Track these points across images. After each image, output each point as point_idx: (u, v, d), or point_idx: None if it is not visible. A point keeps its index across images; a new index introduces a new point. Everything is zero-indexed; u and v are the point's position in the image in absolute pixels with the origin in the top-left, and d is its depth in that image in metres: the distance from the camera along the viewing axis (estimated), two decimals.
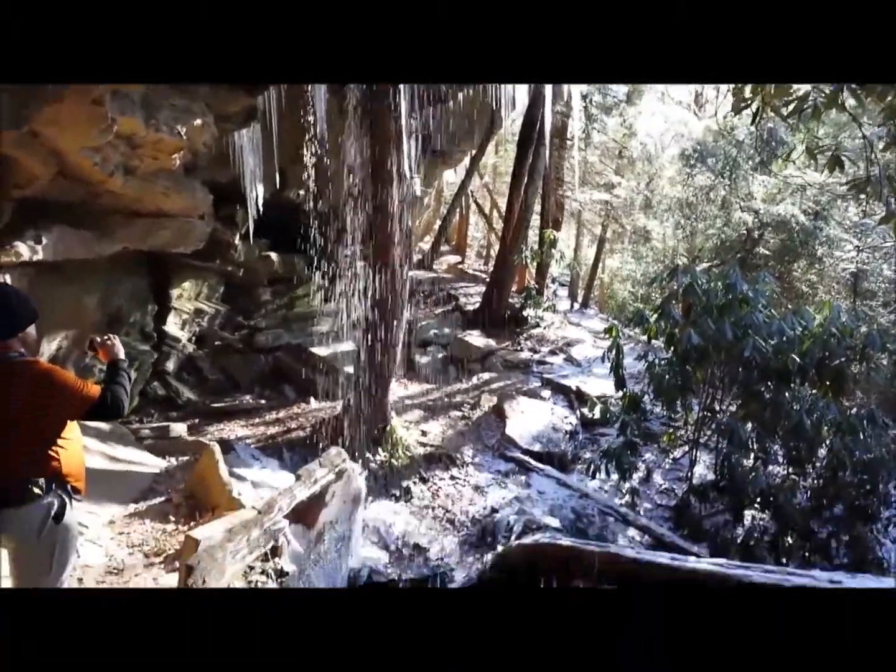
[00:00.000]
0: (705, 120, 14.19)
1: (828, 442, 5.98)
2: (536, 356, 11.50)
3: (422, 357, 10.75)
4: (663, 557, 4.30)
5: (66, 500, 2.65)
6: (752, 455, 6.29)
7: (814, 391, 6.22)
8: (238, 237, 8.50)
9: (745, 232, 13.92)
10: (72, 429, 2.72)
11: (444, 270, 16.61)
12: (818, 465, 6.27)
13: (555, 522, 6.26)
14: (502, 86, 9.33)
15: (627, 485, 7.33)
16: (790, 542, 6.09)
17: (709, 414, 6.91)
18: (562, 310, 14.78)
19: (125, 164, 5.38)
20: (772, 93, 3.99)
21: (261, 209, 7.64)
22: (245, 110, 6.10)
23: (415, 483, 6.93)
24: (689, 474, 7.16)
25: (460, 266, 17.65)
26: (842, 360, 6.01)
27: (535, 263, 13.70)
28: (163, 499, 5.65)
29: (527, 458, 7.86)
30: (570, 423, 8.97)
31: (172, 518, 5.30)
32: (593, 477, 7.28)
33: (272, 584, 3.35)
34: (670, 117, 14.89)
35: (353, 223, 7.86)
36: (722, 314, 6.14)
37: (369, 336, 7.14)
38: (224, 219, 8.12)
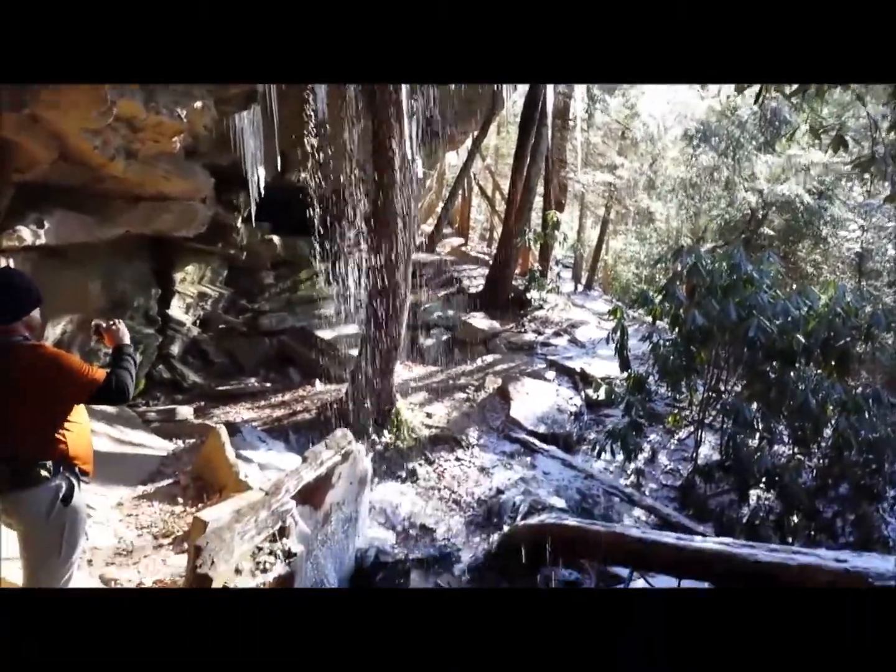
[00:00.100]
0: (708, 100, 14.05)
1: (833, 421, 5.97)
2: (540, 338, 11.48)
3: (426, 340, 10.75)
4: (669, 537, 4.31)
5: (75, 482, 2.66)
6: (757, 435, 6.29)
7: (819, 371, 6.20)
8: (240, 220, 8.48)
9: (749, 212, 13.85)
10: (79, 412, 2.73)
11: (447, 253, 16.56)
12: (823, 444, 6.27)
13: (560, 503, 6.27)
14: None
15: (633, 465, 7.34)
16: (795, 521, 6.10)
17: (714, 394, 6.91)
18: (565, 292, 14.75)
19: (126, 147, 5.36)
20: None
21: (262, 192, 7.61)
22: (245, 93, 6.07)
23: (420, 465, 6.95)
24: (695, 454, 7.16)
25: (463, 248, 17.59)
26: (847, 339, 5.98)
27: (538, 245, 13.65)
28: (170, 481, 5.68)
29: (532, 439, 7.87)
30: (575, 405, 8.98)
31: (180, 500, 5.33)
32: (598, 457, 7.29)
33: (280, 565, 3.37)
34: (673, 97, 14.77)
35: (356, 206, 7.82)
36: (726, 295, 6.12)
37: (373, 319, 7.12)
38: (226, 202, 8.11)
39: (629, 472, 7.44)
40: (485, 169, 19.86)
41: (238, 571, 3.25)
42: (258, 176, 7.45)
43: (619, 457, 7.04)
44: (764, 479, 6.17)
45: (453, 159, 17.25)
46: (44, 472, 2.57)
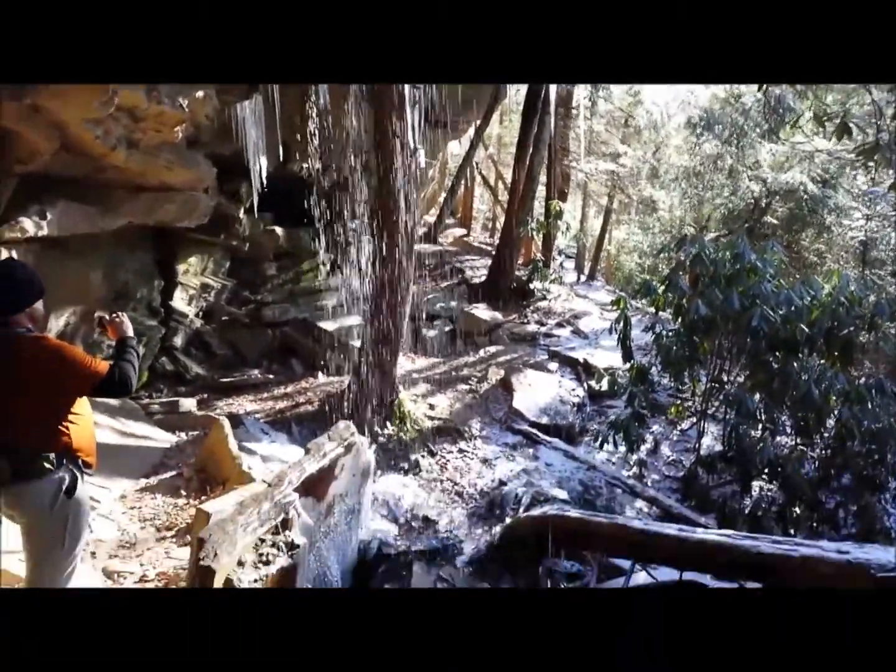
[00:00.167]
0: (712, 87, 13.98)
1: (836, 412, 5.95)
2: (543, 329, 11.48)
3: (428, 331, 10.74)
4: (671, 528, 4.30)
5: (78, 474, 2.67)
6: (759, 426, 6.29)
7: (822, 361, 6.18)
8: (242, 211, 8.46)
9: (752, 201, 13.79)
10: (82, 404, 2.73)
11: (450, 243, 16.51)
12: (826, 435, 6.26)
13: (563, 494, 6.28)
14: None
15: (635, 456, 7.33)
16: (798, 512, 6.10)
17: (716, 385, 6.90)
18: (568, 282, 14.73)
19: (128, 137, 5.34)
20: None
21: (265, 182, 7.58)
22: None
23: (423, 456, 6.96)
24: (697, 445, 7.16)
25: (466, 239, 17.53)
26: (850, 329, 5.96)
27: (540, 235, 13.59)
28: (173, 473, 5.70)
29: (534, 430, 7.87)
30: (578, 396, 8.98)
31: (183, 492, 5.34)
32: (601, 449, 7.30)
33: (283, 557, 3.37)
34: (676, 85, 14.67)
35: (358, 196, 7.80)
36: (730, 284, 6.10)
37: (375, 310, 7.12)
38: (228, 192, 8.08)
39: (631, 463, 7.44)
40: (487, 158, 19.78)
41: (241, 563, 3.25)
42: (260, 166, 7.42)
43: (622, 448, 7.04)
44: (766, 470, 6.17)
45: (456, 148, 17.19)
46: (47, 465, 2.57)
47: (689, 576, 4.24)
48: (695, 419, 7.67)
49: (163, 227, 7.45)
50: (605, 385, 8.27)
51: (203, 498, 5.05)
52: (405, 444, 7.01)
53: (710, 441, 7.45)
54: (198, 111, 5.56)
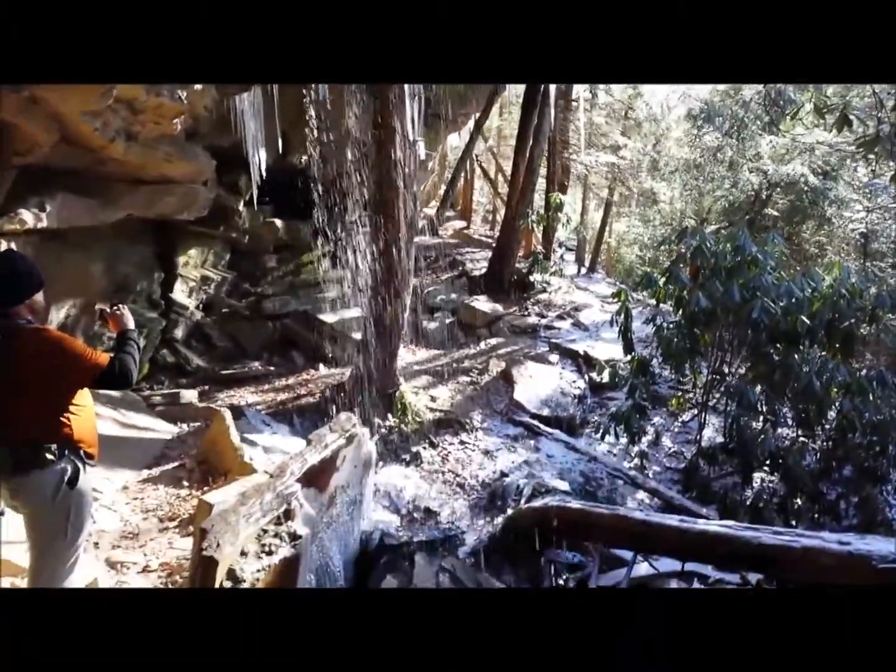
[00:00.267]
0: None
1: (837, 404, 5.95)
2: (544, 321, 11.47)
3: (429, 323, 10.74)
4: (672, 520, 4.31)
5: (80, 465, 2.67)
6: (761, 417, 6.28)
7: (823, 353, 6.18)
8: (242, 203, 8.45)
9: (753, 193, 13.76)
10: (83, 396, 2.73)
11: (450, 236, 16.49)
12: (827, 426, 6.26)
13: (564, 486, 6.28)
14: None
15: (636, 448, 7.35)
16: (799, 503, 6.10)
17: (717, 377, 6.90)
18: (569, 274, 14.71)
19: (126, 129, 5.32)
20: None
21: (264, 174, 7.57)
22: None
23: (424, 448, 6.97)
24: (698, 437, 7.17)
25: (466, 231, 17.52)
26: (851, 321, 5.94)
27: (541, 228, 13.56)
28: (176, 464, 5.71)
29: (535, 422, 7.88)
30: (579, 388, 8.98)
31: (186, 483, 5.35)
32: (602, 440, 7.31)
33: (285, 547, 3.38)
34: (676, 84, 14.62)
35: (358, 188, 7.77)
36: (730, 276, 6.09)
37: (376, 302, 7.11)
38: (227, 185, 8.07)
39: (632, 454, 7.45)
40: (487, 151, 19.75)
41: (244, 553, 3.26)
42: (259, 158, 7.40)
43: (623, 439, 7.05)
44: (767, 462, 6.17)
45: (455, 141, 17.13)
46: (49, 456, 2.58)
47: (690, 567, 4.25)
48: (696, 411, 7.67)
49: (163, 220, 7.44)
50: (606, 377, 8.28)
51: (205, 489, 5.06)
52: (406, 436, 7.02)
53: (712, 433, 7.46)
54: (196, 103, 5.54)
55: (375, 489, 5.71)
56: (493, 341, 10.57)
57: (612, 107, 16.88)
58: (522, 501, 5.79)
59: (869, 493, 5.97)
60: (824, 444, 6.37)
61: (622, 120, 17.12)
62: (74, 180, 5.79)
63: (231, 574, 3.09)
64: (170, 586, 3.91)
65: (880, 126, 5.46)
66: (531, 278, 12.62)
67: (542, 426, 7.79)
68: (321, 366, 8.78)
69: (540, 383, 8.77)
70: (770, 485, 6.44)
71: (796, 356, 6.01)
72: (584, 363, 9.61)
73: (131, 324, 2.91)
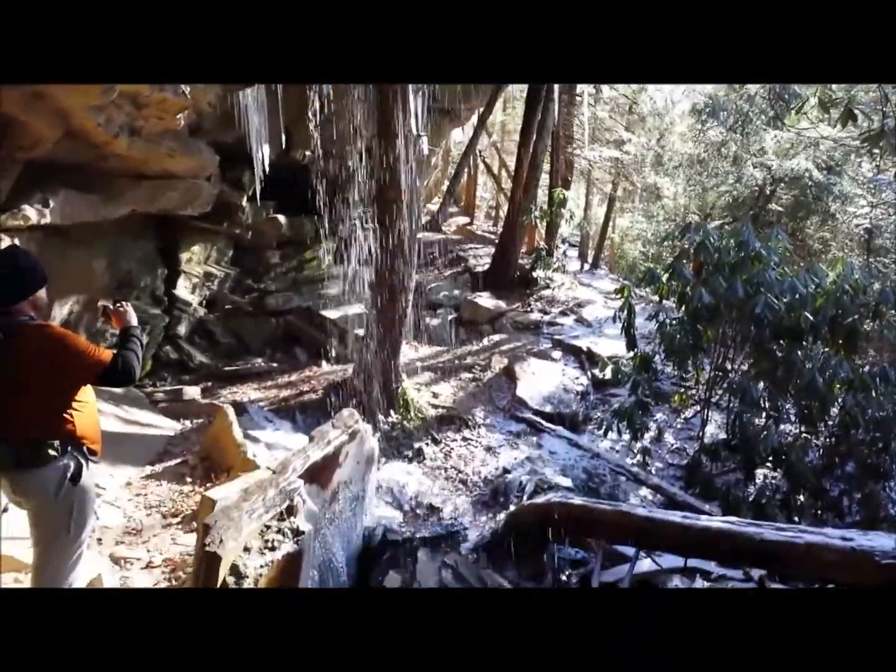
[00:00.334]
0: None
1: (840, 400, 5.94)
2: (547, 317, 11.45)
3: (432, 319, 10.74)
4: (675, 516, 4.31)
5: (83, 461, 2.67)
6: (763, 414, 6.27)
7: (826, 349, 6.16)
8: (245, 199, 8.45)
9: (757, 188, 13.71)
10: (86, 392, 2.73)
11: (453, 232, 16.49)
12: (830, 423, 6.25)
13: (566, 482, 6.29)
14: None
15: (639, 444, 7.34)
16: (802, 500, 6.10)
17: (720, 373, 6.89)
18: (572, 270, 14.67)
19: (130, 124, 5.33)
20: None
21: (267, 170, 7.56)
22: None
23: (427, 444, 6.97)
24: (701, 433, 7.16)
25: (469, 227, 17.50)
26: (855, 317, 5.93)
27: (544, 223, 13.53)
28: (178, 460, 5.72)
29: (538, 418, 7.88)
30: (581, 384, 8.97)
31: (188, 479, 5.36)
32: (605, 437, 7.30)
33: (288, 543, 3.39)
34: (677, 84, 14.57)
35: (361, 184, 7.77)
36: (734, 272, 6.07)
37: (379, 298, 7.11)
38: (231, 180, 8.07)
39: (635, 451, 7.44)
40: (491, 146, 19.69)
41: (247, 549, 3.27)
42: (263, 153, 7.40)
43: (626, 436, 7.04)
44: (770, 458, 6.16)
45: (459, 136, 17.12)
46: (52, 452, 2.58)
47: (693, 563, 4.25)
48: (698, 407, 7.66)
49: (165, 216, 7.45)
50: (608, 373, 8.25)
51: (208, 485, 5.07)
52: (409, 432, 7.02)
53: (714, 429, 7.45)
54: (200, 98, 5.55)
55: (378, 485, 5.72)
56: (495, 338, 10.56)
57: (616, 102, 16.81)
58: (525, 498, 5.80)
59: (872, 490, 5.96)
60: (827, 440, 6.36)
61: (626, 115, 17.05)
62: (77, 176, 5.79)
63: (234, 570, 3.09)
64: (173, 582, 3.92)
65: (885, 121, 5.43)
66: (534, 274, 12.59)
67: (544, 423, 7.79)
68: (324, 362, 8.79)
69: (543, 380, 8.77)
70: (773, 481, 6.44)
71: (799, 352, 6.00)
72: (586, 359, 9.60)
73: (134, 320, 2.91)
